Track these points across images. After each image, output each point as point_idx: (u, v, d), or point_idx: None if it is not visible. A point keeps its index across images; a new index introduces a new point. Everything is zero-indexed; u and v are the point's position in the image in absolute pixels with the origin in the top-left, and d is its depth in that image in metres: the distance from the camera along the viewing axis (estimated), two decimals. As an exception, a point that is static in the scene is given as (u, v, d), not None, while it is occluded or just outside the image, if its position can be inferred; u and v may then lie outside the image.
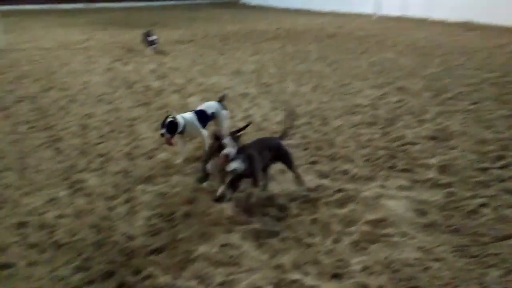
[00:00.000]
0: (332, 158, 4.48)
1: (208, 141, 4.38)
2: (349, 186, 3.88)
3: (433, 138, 4.93)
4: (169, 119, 4.21)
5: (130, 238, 3.23)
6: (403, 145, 4.76)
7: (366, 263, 2.86)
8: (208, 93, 6.91)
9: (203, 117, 4.56)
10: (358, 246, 3.04)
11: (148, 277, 2.80)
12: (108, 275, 2.83)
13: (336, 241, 3.11)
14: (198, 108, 4.67)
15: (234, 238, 3.17)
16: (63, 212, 3.58)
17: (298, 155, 4.56)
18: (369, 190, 3.77)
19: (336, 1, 20.80)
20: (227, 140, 3.61)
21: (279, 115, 5.82)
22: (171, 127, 4.22)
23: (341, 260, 2.90)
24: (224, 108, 4.84)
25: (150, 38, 10.19)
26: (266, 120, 5.68)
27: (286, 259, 2.92)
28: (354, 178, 4.03)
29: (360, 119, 5.62)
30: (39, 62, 9.39)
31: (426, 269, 2.80)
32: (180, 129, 4.29)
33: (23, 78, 8.01)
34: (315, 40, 12.23)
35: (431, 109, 5.88)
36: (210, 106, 4.69)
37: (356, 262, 2.87)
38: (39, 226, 3.39)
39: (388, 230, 3.20)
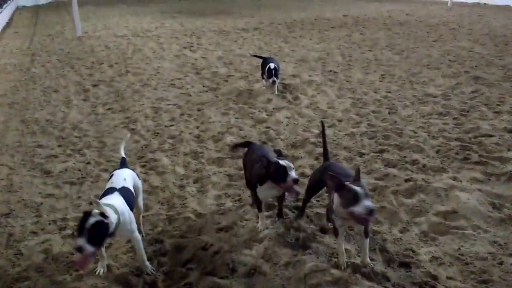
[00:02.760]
0: (401, 147, 4.37)
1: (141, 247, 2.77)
2: (419, 176, 3.77)
3: (511, 131, 4.65)
4: (93, 219, 2.33)
5: (200, 215, 3.39)
6: (477, 137, 4.53)
7: (435, 254, 2.79)
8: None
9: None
10: (427, 237, 2.98)
11: (217, 252, 2.93)
12: (180, 249, 3.00)
13: (404, 230, 3.07)
14: (114, 182, 2.85)
15: (300, 222, 3.21)
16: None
17: (364, 143, 4.51)
18: (440, 181, 3.65)
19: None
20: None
21: (345, 103, 5.76)
22: (98, 234, 2.36)
23: (409, 249, 2.85)
24: None
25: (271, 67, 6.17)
26: (331, 108, 5.65)
27: (351, 246, 2.93)
28: (424, 169, 3.91)
29: (431, 109, 5.42)
30: (114, 48, 9.94)
31: (500, 263, 2.69)
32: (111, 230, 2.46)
33: (100, 63, 8.52)
34: (383, 27, 11.84)
35: (509, 100, 5.53)
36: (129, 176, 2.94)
37: (425, 252, 2.82)
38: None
39: (460, 223, 3.10)
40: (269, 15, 15.25)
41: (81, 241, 2.28)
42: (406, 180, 3.72)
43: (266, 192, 3.05)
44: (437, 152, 4.25)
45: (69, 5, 11.98)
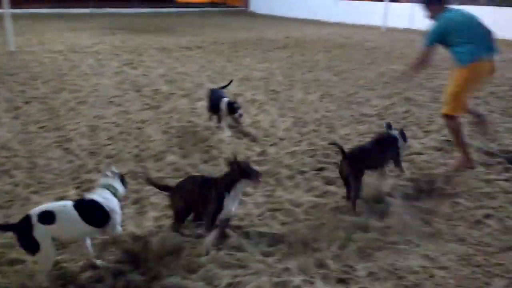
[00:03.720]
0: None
1: None
2: (356, 193, 3.90)
3: (439, 149, 4.96)
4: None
5: (138, 238, 3.26)
6: (409, 154, 4.78)
7: (371, 269, 2.88)
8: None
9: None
10: (364, 252, 3.07)
11: (156, 277, 2.83)
12: (115, 275, 2.86)
13: (342, 246, 3.14)
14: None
15: (241, 241, 3.19)
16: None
17: (304, 161, 4.60)
18: (375, 198, 3.79)
19: (344, 13, 20.94)
20: None
21: (286, 122, 5.87)
22: None
23: (347, 266, 2.92)
24: None
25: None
26: (273, 127, 5.73)
27: (292, 264, 2.94)
28: (360, 186, 4.05)
29: (367, 128, 5.66)
30: (49, 64, 9.51)
31: (431, 276, 2.82)
32: None
33: (33, 79, 8.11)
34: (323, 49, 12.31)
35: (437, 120, 5.91)
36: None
37: (362, 267, 2.90)
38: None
39: (394, 238, 3.23)
40: (213, 34, 15.35)
41: None
42: (344, 197, 3.83)
43: (234, 200, 3.11)
44: (373, 169, 4.42)
45: (1, 18, 11.35)
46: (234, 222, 3.43)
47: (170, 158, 4.71)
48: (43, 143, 5.09)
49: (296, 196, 3.90)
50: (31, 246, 2.63)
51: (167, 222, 3.46)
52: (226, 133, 5.36)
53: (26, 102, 6.65)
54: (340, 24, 19.86)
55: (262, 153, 4.83)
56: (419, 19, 17.68)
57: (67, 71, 8.82)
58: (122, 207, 3.15)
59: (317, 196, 3.89)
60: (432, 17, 4.45)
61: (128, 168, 4.45)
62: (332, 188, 4.03)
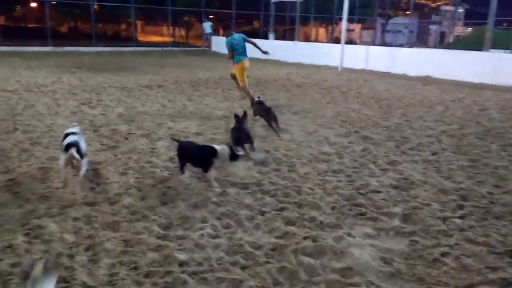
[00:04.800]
0: (300, 205, 4.51)
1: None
2: (316, 233, 3.89)
3: (396, 187, 5.07)
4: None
5: (90, 288, 3.09)
6: (367, 193, 4.86)
7: (333, 313, 2.83)
8: (177, 137, 6.90)
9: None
10: (325, 296, 3.02)
11: None
12: None
13: (303, 290, 3.08)
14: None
15: (202, 286, 3.08)
16: (20, 259, 3.40)
17: (265, 202, 4.57)
18: (336, 238, 3.80)
19: (303, 53, 21.67)
20: None
21: (248, 161, 5.86)
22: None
23: (308, 310, 2.86)
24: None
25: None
26: (234, 166, 5.69)
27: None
28: (321, 225, 4.05)
29: (326, 166, 5.74)
30: (2, 103, 9.19)
31: (393, 318, 2.80)
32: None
33: (-16, 119, 7.78)
34: (283, 89, 12.59)
35: (393, 158, 6.08)
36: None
37: (323, 312, 2.84)
38: (-8, 275, 3.20)
39: (355, 279, 3.21)
40: (174, 73, 15.42)
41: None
42: (304, 238, 3.81)
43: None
44: (333, 208, 4.45)
45: (-49, 55, 10.95)
46: (192, 268, 3.32)
47: (127, 200, 4.56)
48: (-9, 187, 4.81)
49: (256, 237, 3.84)
50: None
51: (122, 269, 3.30)
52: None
53: (-26, 143, 6.33)
54: (299, 64, 20.48)
55: (222, 193, 4.76)
56: (373, 61, 18.58)
57: (21, 111, 8.53)
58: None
59: (277, 237, 3.84)
60: (227, 36, 9.85)
61: (82, 212, 4.26)
62: (293, 228, 4.00)
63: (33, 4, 31.66)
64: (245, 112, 6.41)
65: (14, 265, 3.32)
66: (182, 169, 5.32)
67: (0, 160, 5.70)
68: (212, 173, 5.03)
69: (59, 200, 4.53)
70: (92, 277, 3.22)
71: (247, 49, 9.97)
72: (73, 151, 4.62)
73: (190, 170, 5.32)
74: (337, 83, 14.14)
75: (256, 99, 8.09)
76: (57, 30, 29.74)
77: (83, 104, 9.38)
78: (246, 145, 5.96)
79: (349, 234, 3.88)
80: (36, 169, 5.40)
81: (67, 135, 5.02)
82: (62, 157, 4.74)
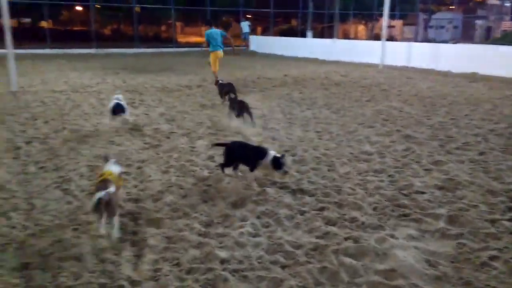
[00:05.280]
0: (340, 205, 4.46)
1: None
2: (358, 234, 3.83)
3: (441, 187, 4.91)
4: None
5: (135, 283, 3.18)
6: (411, 193, 4.73)
7: (376, 316, 2.78)
8: (217, 136, 7.00)
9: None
10: (367, 297, 2.97)
11: None
12: None
13: (345, 291, 3.05)
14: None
15: (240, 286, 3.10)
16: (68, 254, 3.55)
17: (305, 201, 4.55)
18: (378, 239, 3.72)
19: (342, 51, 21.38)
20: None
21: (286, 160, 5.85)
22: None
23: (351, 312, 2.82)
24: None
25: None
26: (273, 166, 5.70)
27: None
28: (362, 226, 3.99)
29: (367, 166, 5.63)
30: (51, 104, 9.61)
31: (438, 323, 2.72)
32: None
33: (34, 119, 8.16)
34: (321, 87, 12.47)
35: (438, 158, 5.89)
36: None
37: (366, 314, 2.80)
38: (43, 268, 3.35)
39: (399, 282, 3.13)
40: (212, 73, 15.57)
41: None
42: (346, 238, 3.76)
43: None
44: (374, 209, 4.36)
45: (4, 58, 11.56)
46: (232, 266, 3.35)
47: (169, 198, 4.66)
48: (43, 184, 5.05)
49: (296, 237, 3.82)
50: None
51: (165, 265, 3.38)
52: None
53: (27, 142, 6.66)
54: (338, 62, 20.22)
55: (261, 192, 4.77)
56: (416, 57, 18.03)
57: (68, 111, 8.89)
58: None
59: (317, 237, 3.81)
60: (206, 30, 12.24)
61: (127, 208, 4.40)
62: (333, 228, 3.96)
63: (79, 8, 32.90)
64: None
65: (63, 259, 3.47)
66: (225, 168, 5.21)
67: (50, 158, 5.97)
68: (254, 174, 5.06)
69: (105, 197, 4.69)
70: (137, 272, 3.31)
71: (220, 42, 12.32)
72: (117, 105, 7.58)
73: (228, 174, 5.36)
74: (378, 81, 13.86)
75: (220, 81, 10.47)
76: (101, 32, 30.75)
77: (127, 104, 9.65)
78: (247, 114, 7.75)
79: (392, 236, 3.79)
80: (83, 166, 5.62)
81: (113, 101, 7.69)
82: (109, 115, 7.65)
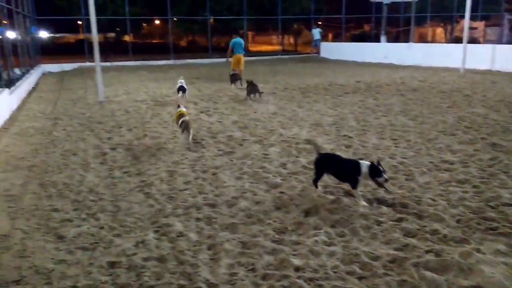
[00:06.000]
0: (420, 216, 4.26)
1: None
2: (440, 247, 3.63)
3: (533, 200, 4.51)
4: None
5: (212, 285, 3.27)
6: (498, 206, 4.40)
7: (462, 335, 2.61)
8: (288, 144, 7.02)
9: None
10: (452, 315, 2.81)
11: None
12: None
13: (426, 307, 2.90)
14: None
15: None
16: (150, 255, 3.74)
17: (381, 211, 4.41)
18: (463, 253, 3.50)
19: (418, 56, 20.51)
20: None
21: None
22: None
23: (433, 329, 2.68)
24: None
25: None
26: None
27: None
28: (445, 239, 3.77)
29: (449, 176, 5.33)
30: (133, 112, 10.25)
31: None
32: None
33: (119, 127, 8.75)
34: (397, 93, 12.04)
35: (530, 168, 5.43)
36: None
37: (451, 332, 2.64)
38: (128, 267, 3.57)
39: (486, 300, 2.93)
40: (284, 80, 15.71)
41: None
42: (427, 251, 3.58)
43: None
44: (458, 221, 4.12)
45: (93, 71, 12.54)
46: (307, 274, 3.33)
47: (243, 204, 4.75)
48: (127, 188, 5.39)
49: (373, 248, 3.71)
50: None
51: (240, 270, 3.45)
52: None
53: (112, 149, 7.15)
54: (414, 67, 19.41)
55: (336, 201, 4.70)
56: (501, 60, 16.83)
57: (149, 119, 9.42)
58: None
59: (396, 249, 3.67)
60: (232, 39, 15.69)
61: (203, 213, 4.55)
62: (413, 240, 3.79)
63: (157, 22, 34.81)
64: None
65: (146, 259, 3.66)
66: (316, 182, 5.00)
67: (133, 163, 6.35)
68: (359, 190, 4.72)
69: (184, 200, 4.90)
70: (214, 275, 3.41)
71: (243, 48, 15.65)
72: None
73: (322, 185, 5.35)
74: (459, 86, 13.09)
75: (233, 72, 14.58)
76: (178, 44, 32.28)
77: (201, 112, 10.04)
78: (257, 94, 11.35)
79: (478, 250, 3.55)
80: (163, 171, 5.91)
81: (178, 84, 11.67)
82: (176, 92, 11.47)
